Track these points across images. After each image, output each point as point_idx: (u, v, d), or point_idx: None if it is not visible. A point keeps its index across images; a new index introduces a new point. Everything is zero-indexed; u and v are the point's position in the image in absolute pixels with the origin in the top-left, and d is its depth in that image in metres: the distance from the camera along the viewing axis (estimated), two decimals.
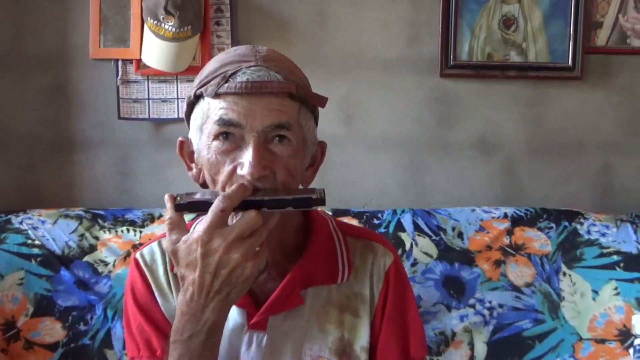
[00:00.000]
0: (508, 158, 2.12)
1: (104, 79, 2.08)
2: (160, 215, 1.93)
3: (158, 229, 1.88)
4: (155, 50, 2.01)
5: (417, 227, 1.88)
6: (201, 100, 0.98)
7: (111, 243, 1.86)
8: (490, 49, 2.07)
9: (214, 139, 0.95)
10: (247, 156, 0.92)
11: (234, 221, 0.91)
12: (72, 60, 2.09)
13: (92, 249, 1.85)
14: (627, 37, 2.08)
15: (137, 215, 1.92)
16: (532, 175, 2.12)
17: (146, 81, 2.08)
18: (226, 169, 0.94)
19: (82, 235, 1.86)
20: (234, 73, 0.94)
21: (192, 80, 2.02)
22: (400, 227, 1.89)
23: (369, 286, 1.07)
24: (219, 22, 2.06)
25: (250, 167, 0.91)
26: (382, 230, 1.88)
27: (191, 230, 0.91)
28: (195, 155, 1.02)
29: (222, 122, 0.93)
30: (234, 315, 1.04)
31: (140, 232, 1.88)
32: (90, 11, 2.06)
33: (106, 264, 1.83)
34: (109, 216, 1.92)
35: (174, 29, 1.96)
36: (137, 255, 1.09)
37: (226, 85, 0.93)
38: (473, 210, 1.94)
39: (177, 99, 2.08)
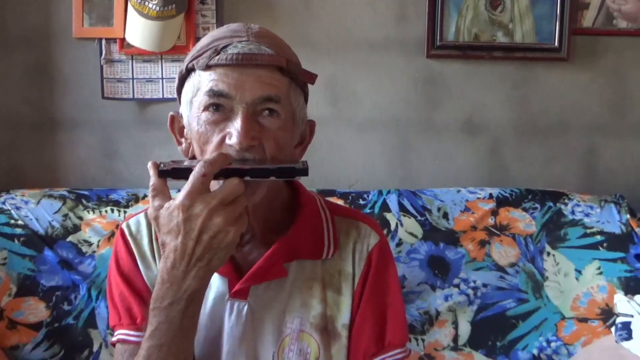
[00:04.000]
0: (494, 139, 2.12)
1: (88, 59, 2.06)
2: (145, 196, 1.91)
3: (143, 209, 1.86)
4: (139, 30, 1.99)
5: (402, 208, 1.88)
6: (192, 73, 0.99)
7: (95, 223, 1.85)
8: (477, 29, 2.06)
9: (203, 110, 0.96)
10: (235, 126, 0.93)
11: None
12: (55, 39, 2.06)
13: (76, 229, 1.84)
14: (613, 18, 2.08)
15: (122, 196, 1.91)
16: (517, 157, 2.13)
17: (130, 61, 2.06)
18: (215, 139, 0.95)
19: (65, 216, 1.85)
20: (226, 46, 0.96)
21: (177, 60, 2.06)
22: (385, 207, 1.89)
23: (351, 264, 1.08)
24: (204, 1, 2.04)
25: (239, 136, 0.92)
26: (367, 210, 1.88)
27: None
28: (185, 129, 1.03)
29: (212, 93, 0.95)
30: (217, 284, 1.05)
31: (125, 212, 1.87)
32: None
33: (90, 244, 1.82)
34: (93, 196, 1.90)
35: (158, 8, 1.94)
36: (124, 225, 1.11)
37: (217, 57, 0.95)
38: (458, 191, 1.94)
39: (162, 78, 2.06)
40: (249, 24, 1.01)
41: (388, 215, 1.87)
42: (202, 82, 0.96)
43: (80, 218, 1.86)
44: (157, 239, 1.06)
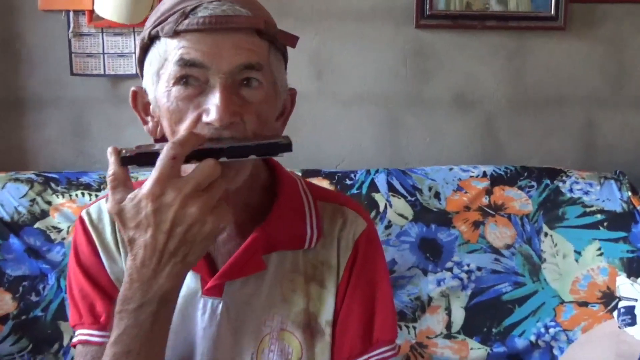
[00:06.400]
0: (487, 114, 2.06)
1: (55, 32, 1.97)
2: None
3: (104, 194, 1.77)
4: (109, 0, 1.88)
5: (391, 188, 1.82)
6: (157, 41, 0.87)
7: (64, 208, 1.77)
8: None
9: (174, 84, 0.84)
10: (213, 101, 0.82)
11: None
12: (19, 12, 1.97)
13: (44, 214, 1.76)
14: None
15: (93, 178, 1.82)
16: (512, 132, 2.07)
17: (100, 34, 1.97)
18: (189, 117, 0.84)
19: (33, 200, 1.77)
20: (195, 8, 0.84)
21: None
22: (374, 187, 1.82)
23: (336, 254, 0.98)
24: None
25: (218, 112, 0.81)
26: (354, 191, 1.81)
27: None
28: (151, 107, 0.92)
29: (184, 62, 0.83)
30: (188, 280, 0.94)
31: (96, 195, 1.78)
32: None
33: (59, 230, 1.74)
34: (63, 179, 1.82)
35: None
36: (83, 213, 1.00)
37: (186, 21, 0.83)
38: (450, 169, 1.89)
39: (135, 53, 1.95)
40: None
41: (376, 196, 1.80)
42: (170, 50, 0.85)
43: (49, 203, 1.77)
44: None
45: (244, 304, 0.95)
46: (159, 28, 0.85)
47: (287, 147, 0.84)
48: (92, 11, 1.93)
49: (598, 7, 2.02)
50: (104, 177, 1.82)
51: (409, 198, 1.80)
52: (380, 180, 1.83)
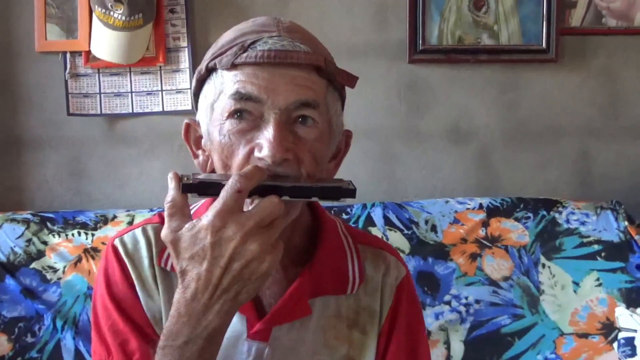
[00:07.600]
0: (482, 146, 2.05)
1: (52, 73, 1.98)
2: (115, 217, 1.81)
3: (112, 231, 1.76)
4: (105, 41, 1.90)
5: (388, 221, 1.81)
6: (214, 74, 0.86)
7: (61, 248, 1.76)
8: (461, 32, 1.99)
9: (227, 117, 0.82)
10: (266, 136, 0.80)
11: (250, 208, 0.77)
12: (16, 54, 1.98)
13: (40, 254, 1.75)
14: (602, 16, 2.02)
15: (89, 217, 1.81)
16: (507, 164, 2.06)
17: (97, 74, 1.98)
18: (241, 152, 0.82)
19: (29, 241, 1.76)
20: (254, 42, 0.83)
21: (146, 73, 1.96)
22: (370, 221, 1.81)
23: (379, 301, 0.96)
24: (173, 10, 1.95)
25: (271, 147, 0.78)
26: (351, 225, 1.78)
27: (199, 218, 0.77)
28: (203, 140, 0.90)
29: (239, 95, 0.81)
30: (233, 320, 0.88)
31: (93, 235, 1.77)
32: (34, 1, 1.94)
33: (55, 270, 1.72)
34: (59, 219, 1.81)
35: (124, 18, 1.85)
36: (117, 242, 0.94)
37: (245, 54, 0.82)
38: (447, 202, 1.88)
39: (131, 92, 1.96)
40: (278, 17, 0.88)
41: (373, 230, 1.79)
42: (226, 83, 0.83)
43: (45, 243, 1.76)
44: (159, 263, 0.92)
45: (289, 350, 0.91)
46: (217, 60, 0.84)
47: (350, 192, 0.80)
48: (88, 52, 1.94)
49: (589, 39, 2.02)
50: (100, 216, 1.81)
51: (406, 231, 1.79)
52: (377, 214, 1.82)
